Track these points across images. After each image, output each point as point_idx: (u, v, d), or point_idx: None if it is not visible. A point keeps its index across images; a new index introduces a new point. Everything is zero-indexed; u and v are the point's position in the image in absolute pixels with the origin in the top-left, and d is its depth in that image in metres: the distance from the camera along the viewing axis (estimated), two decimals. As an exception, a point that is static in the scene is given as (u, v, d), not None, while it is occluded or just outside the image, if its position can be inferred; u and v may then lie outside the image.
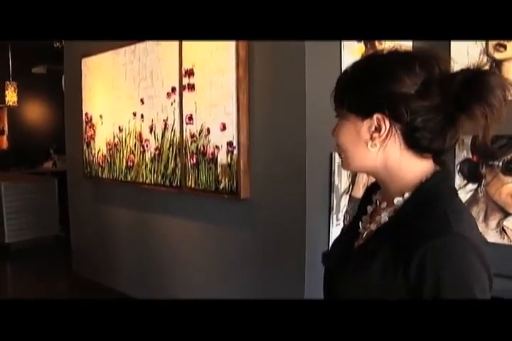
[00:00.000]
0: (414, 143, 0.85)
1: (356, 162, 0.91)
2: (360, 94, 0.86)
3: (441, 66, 0.83)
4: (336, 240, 1.11)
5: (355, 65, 0.92)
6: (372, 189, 1.04)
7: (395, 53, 0.88)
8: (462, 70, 0.82)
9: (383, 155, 0.88)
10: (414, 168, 0.88)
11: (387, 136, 0.85)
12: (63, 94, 4.15)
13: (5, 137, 8.09)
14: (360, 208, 1.06)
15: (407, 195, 0.87)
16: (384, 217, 0.90)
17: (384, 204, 0.94)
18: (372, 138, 0.86)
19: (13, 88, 6.16)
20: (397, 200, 0.89)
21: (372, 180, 1.00)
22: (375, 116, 0.85)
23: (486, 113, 0.78)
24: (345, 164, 0.95)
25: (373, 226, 0.93)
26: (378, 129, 0.85)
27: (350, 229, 1.03)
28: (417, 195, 0.86)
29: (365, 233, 0.95)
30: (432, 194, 0.85)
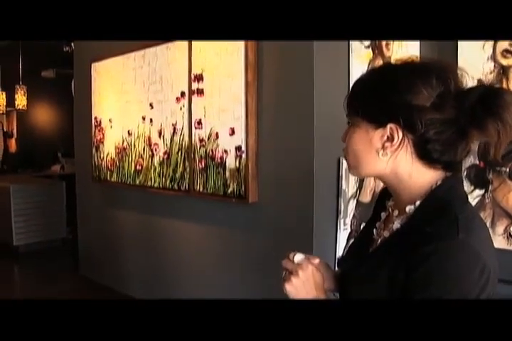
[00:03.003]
0: (426, 155, 0.86)
1: (365, 169, 0.92)
2: (376, 103, 0.87)
3: (457, 80, 0.84)
4: (351, 245, 1.13)
5: (372, 74, 0.92)
6: (385, 194, 1.05)
7: (412, 65, 0.89)
8: (478, 86, 0.83)
9: (393, 164, 0.89)
10: (424, 176, 0.89)
11: (399, 145, 0.86)
12: (72, 98, 4.19)
13: (14, 140, 8.17)
14: (374, 213, 1.07)
15: (418, 202, 0.88)
16: (396, 224, 0.92)
17: (396, 212, 0.95)
18: (383, 147, 0.87)
19: (22, 92, 6.21)
20: (409, 208, 0.90)
21: (380, 184, 1.02)
22: (389, 125, 0.85)
23: (499, 129, 0.79)
24: (354, 170, 0.95)
25: (386, 234, 0.94)
26: (391, 139, 0.86)
27: (364, 235, 1.05)
28: (427, 201, 0.87)
29: (379, 240, 0.96)
30: (443, 200, 0.85)
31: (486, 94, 0.81)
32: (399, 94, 0.84)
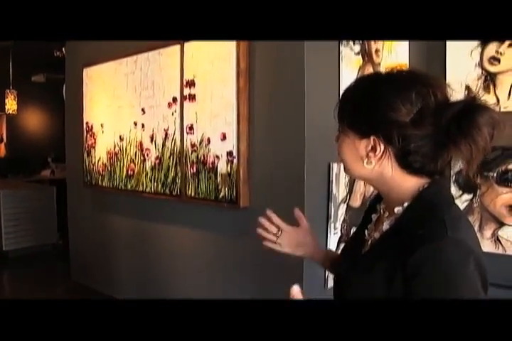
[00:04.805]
0: (407, 165, 0.90)
1: (354, 172, 0.98)
2: (360, 116, 0.92)
3: (437, 94, 0.87)
4: (344, 247, 1.17)
5: (357, 86, 0.96)
6: (377, 198, 1.09)
7: (394, 79, 0.92)
8: (455, 104, 0.85)
9: (378, 171, 0.93)
10: (410, 181, 0.92)
11: (381, 156, 0.91)
12: (63, 103, 4.18)
13: (3, 145, 8.12)
14: (365, 216, 1.11)
15: (406, 204, 0.92)
16: (386, 225, 0.95)
17: (386, 214, 0.99)
18: (368, 156, 0.92)
19: (13, 96, 6.20)
20: (398, 209, 0.93)
21: (370, 190, 1.05)
22: (372, 137, 0.90)
23: (471, 150, 0.82)
24: (345, 171, 1.01)
25: (377, 235, 0.98)
26: (374, 149, 0.91)
27: (356, 237, 1.08)
28: (415, 203, 0.91)
29: (370, 241, 1.00)
30: (430, 202, 0.89)
31: (461, 115, 0.83)
32: (380, 111, 0.88)
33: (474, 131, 0.81)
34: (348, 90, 0.97)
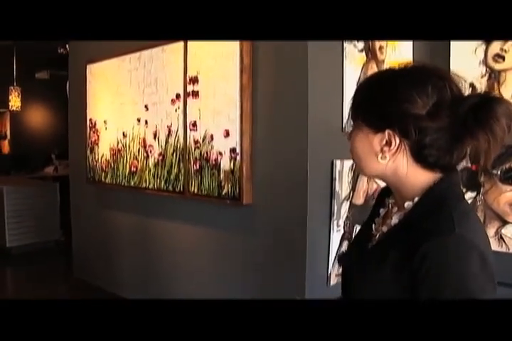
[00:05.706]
0: (422, 159, 0.90)
1: (367, 169, 0.97)
2: (375, 111, 0.91)
3: (452, 88, 0.87)
4: (352, 241, 1.17)
5: (372, 81, 0.96)
6: (385, 192, 1.09)
7: (409, 72, 0.92)
8: (472, 96, 0.86)
9: (392, 166, 0.93)
10: (423, 177, 0.92)
11: (396, 150, 0.90)
12: (66, 100, 4.18)
13: (7, 142, 8.15)
14: (373, 210, 1.11)
15: (416, 199, 0.92)
16: (394, 219, 0.95)
17: (395, 209, 0.99)
18: (382, 151, 0.91)
19: (17, 93, 6.21)
20: (408, 204, 0.93)
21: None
22: (387, 131, 0.89)
23: (489, 140, 0.82)
24: (358, 169, 1.01)
25: (385, 229, 0.98)
26: (389, 143, 0.90)
27: (363, 231, 1.09)
28: (425, 198, 0.91)
29: (378, 235, 1.00)
30: (440, 197, 0.89)
31: (478, 105, 0.83)
32: (396, 104, 0.88)
33: (492, 121, 0.81)
34: (362, 85, 0.97)
